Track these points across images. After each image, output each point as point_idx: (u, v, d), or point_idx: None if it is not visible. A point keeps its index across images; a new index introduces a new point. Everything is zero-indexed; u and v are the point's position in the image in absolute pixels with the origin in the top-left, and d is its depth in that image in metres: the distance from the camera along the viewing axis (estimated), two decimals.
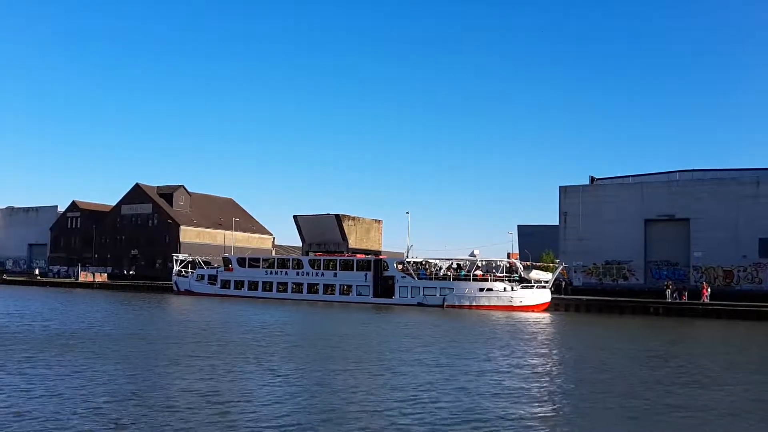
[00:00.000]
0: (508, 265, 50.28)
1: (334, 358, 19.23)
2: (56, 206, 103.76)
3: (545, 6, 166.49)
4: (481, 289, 46.76)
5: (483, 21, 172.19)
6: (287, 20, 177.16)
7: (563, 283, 51.43)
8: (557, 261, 52.61)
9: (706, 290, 46.21)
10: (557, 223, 58.46)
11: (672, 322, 38.43)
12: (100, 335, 23.55)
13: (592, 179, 59.76)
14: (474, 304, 46.25)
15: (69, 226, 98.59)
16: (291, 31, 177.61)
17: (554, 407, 13.32)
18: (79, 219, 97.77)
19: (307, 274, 54.60)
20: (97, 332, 24.49)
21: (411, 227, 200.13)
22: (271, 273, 56.83)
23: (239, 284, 57.83)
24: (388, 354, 20.75)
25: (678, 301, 45.89)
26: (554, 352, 23.51)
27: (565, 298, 48.40)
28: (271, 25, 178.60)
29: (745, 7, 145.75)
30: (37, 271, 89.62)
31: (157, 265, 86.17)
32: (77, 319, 30.94)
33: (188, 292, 60.27)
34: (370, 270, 51.59)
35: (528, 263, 52.87)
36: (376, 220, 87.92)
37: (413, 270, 50.30)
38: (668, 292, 46.96)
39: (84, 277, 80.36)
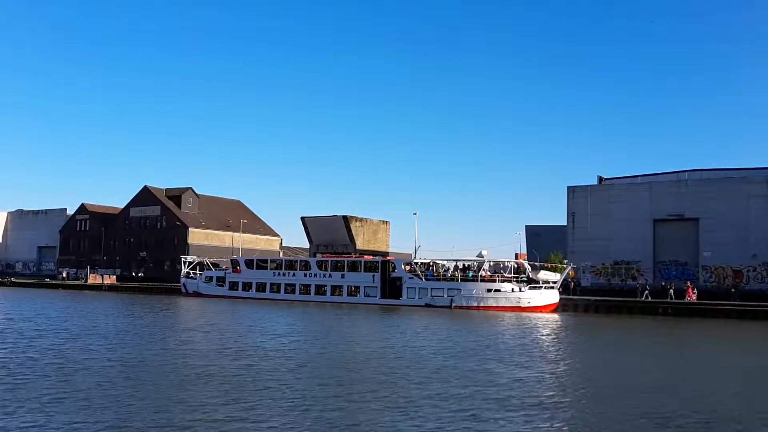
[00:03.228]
0: (516, 265, 50.03)
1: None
2: (65, 209, 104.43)
3: (550, 6, 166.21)
4: (489, 290, 46.53)
5: (489, 20, 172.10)
6: (289, 20, 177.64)
7: (571, 283, 51.27)
8: (566, 261, 52.38)
9: (692, 290, 46.96)
10: (565, 224, 58.21)
11: (684, 324, 37.92)
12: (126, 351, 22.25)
13: (601, 179, 59.48)
14: (482, 305, 46.05)
15: (78, 229, 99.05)
16: (295, 31, 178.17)
17: None
18: (88, 221, 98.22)
19: (315, 275, 54.55)
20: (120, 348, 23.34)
21: (419, 228, 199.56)
22: (279, 275, 56.80)
23: (247, 286, 57.89)
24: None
25: (649, 300, 46.80)
26: (593, 362, 21.57)
27: (574, 299, 48.19)
28: (275, 25, 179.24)
29: (749, 7, 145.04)
30: (65, 274, 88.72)
31: (166, 266, 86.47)
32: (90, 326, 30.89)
33: (196, 294, 60.35)
34: (377, 271, 51.49)
35: (536, 264, 52.67)
36: (383, 222, 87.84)
37: (421, 271, 50.18)
38: (646, 293, 48.04)
39: (93, 279, 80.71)
